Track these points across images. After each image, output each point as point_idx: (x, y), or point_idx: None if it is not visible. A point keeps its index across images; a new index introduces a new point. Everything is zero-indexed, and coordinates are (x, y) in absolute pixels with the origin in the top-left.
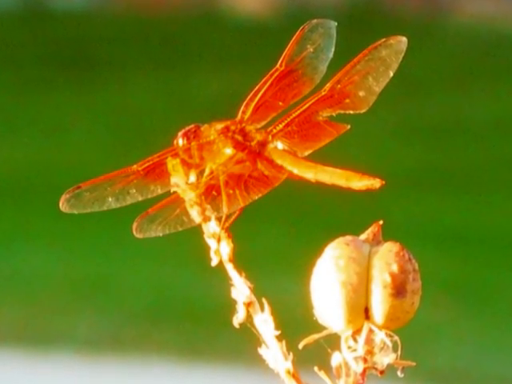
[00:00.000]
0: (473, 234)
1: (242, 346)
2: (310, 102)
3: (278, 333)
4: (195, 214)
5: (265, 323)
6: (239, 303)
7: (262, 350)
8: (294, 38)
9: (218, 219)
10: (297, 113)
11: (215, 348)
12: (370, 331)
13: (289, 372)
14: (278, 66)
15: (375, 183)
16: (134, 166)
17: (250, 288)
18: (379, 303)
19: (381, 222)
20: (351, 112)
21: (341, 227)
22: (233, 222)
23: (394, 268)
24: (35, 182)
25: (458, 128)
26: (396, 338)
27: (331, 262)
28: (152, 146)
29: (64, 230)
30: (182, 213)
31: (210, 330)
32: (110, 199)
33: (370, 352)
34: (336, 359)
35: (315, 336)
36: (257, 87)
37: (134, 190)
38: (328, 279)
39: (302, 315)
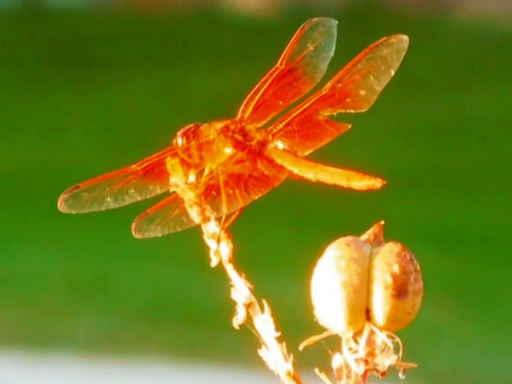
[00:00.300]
0: (475, 234)
1: (241, 347)
2: (311, 101)
3: (278, 334)
4: (195, 215)
5: (265, 324)
6: (239, 304)
7: (262, 352)
8: (294, 37)
9: (218, 219)
10: (297, 112)
11: (215, 349)
12: (371, 332)
13: (289, 374)
14: (278, 64)
15: (376, 183)
16: (133, 166)
17: (249, 289)
18: (380, 304)
19: (382, 223)
20: (352, 111)
21: (342, 227)
22: (233, 222)
23: (396, 269)
24: (33, 182)
25: (460, 127)
26: (397, 339)
27: (332, 263)
28: (151, 145)
29: (62, 230)
30: (182, 213)
31: (209, 331)
32: (108, 199)
33: (371, 353)
34: (337, 361)
35: (316, 337)
36: (257, 86)
37: (133, 190)
38: (329, 280)
39: (302, 316)
